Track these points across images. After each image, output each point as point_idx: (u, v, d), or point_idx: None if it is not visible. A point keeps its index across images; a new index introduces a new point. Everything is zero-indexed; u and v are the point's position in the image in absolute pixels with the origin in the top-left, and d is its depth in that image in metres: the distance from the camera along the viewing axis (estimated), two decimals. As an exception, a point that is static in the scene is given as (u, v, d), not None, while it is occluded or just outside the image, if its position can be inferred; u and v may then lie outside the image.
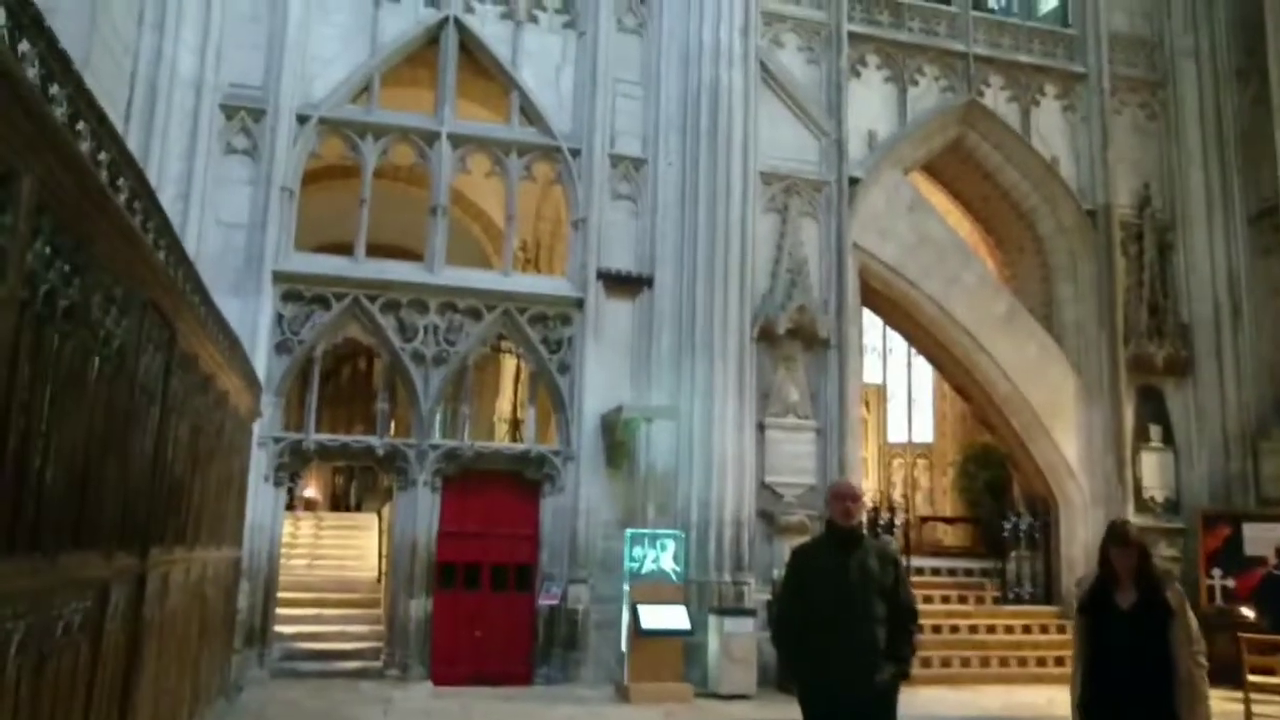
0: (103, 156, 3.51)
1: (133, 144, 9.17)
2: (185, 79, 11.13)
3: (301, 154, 11.76)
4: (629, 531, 11.11)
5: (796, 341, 12.65)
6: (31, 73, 2.77)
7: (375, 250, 12.07)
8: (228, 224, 11.30)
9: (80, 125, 3.21)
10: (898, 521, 15.27)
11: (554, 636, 11.54)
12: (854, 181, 13.36)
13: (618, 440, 11.78)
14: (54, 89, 2.96)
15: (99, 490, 4.09)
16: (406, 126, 12.16)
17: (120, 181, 3.78)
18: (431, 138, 12.13)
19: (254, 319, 10.93)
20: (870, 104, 13.90)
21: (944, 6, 14.60)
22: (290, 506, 16.00)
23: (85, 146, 3.28)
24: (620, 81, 12.79)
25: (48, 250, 3.17)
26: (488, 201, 16.66)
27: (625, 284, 12.29)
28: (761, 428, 12.31)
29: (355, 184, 12.21)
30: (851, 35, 13.81)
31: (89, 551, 3.96)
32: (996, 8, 15.81)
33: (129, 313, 4.21)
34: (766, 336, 12.50)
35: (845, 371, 12.88)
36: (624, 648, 10.75)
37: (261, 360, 10.81)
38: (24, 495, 3.18)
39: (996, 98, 14.47)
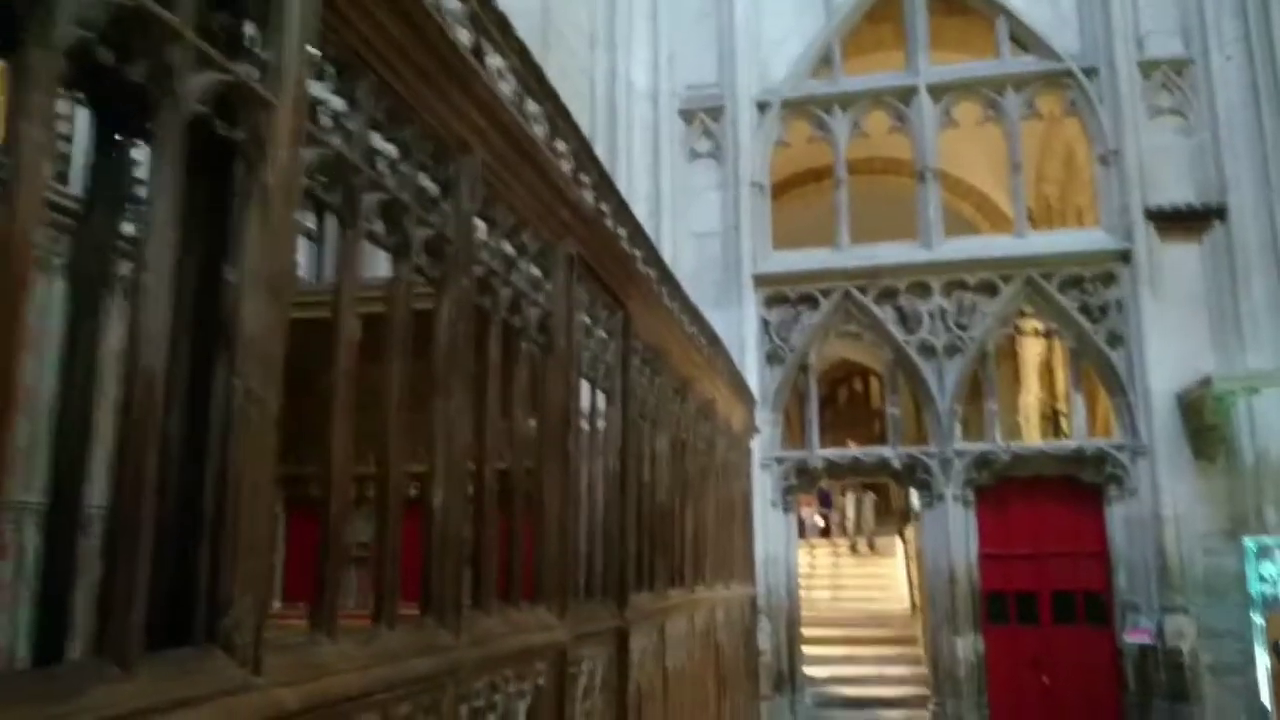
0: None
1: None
2: (641, 91, 10.65)
3: (767, 144, 10.72)
4: (1249, 542, 8.19)
5: None
6: None
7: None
8: (700, 234, 10.56)
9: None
10: None
11: (1150, 684, 8.93)
12: None
13: (1207, 424, 8.96)
14: None
15: (539, 518, 2.91)
16: (877, 89, 10.65)
17: (501, 64, 2.57)
18: (907, 94, 10.43)
19: (739, 330, 9.96)
20: None
21: None
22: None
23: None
24: (1138, -29, 10.07)
25: (381, 138, 1.99)
26: (974, 173, 14.45)
27: (1186, 221, 9.47)
28: None
29: (825, 187, 11.11)
30: None
31: (529, 608, 2.78)
32: None
33: (551, 271, 3.01)
34: None
35: None
36: (1266, 702, 7.84)
37: (753, 373, 9.77)
38: (385, 534, 1.98)
39: None
